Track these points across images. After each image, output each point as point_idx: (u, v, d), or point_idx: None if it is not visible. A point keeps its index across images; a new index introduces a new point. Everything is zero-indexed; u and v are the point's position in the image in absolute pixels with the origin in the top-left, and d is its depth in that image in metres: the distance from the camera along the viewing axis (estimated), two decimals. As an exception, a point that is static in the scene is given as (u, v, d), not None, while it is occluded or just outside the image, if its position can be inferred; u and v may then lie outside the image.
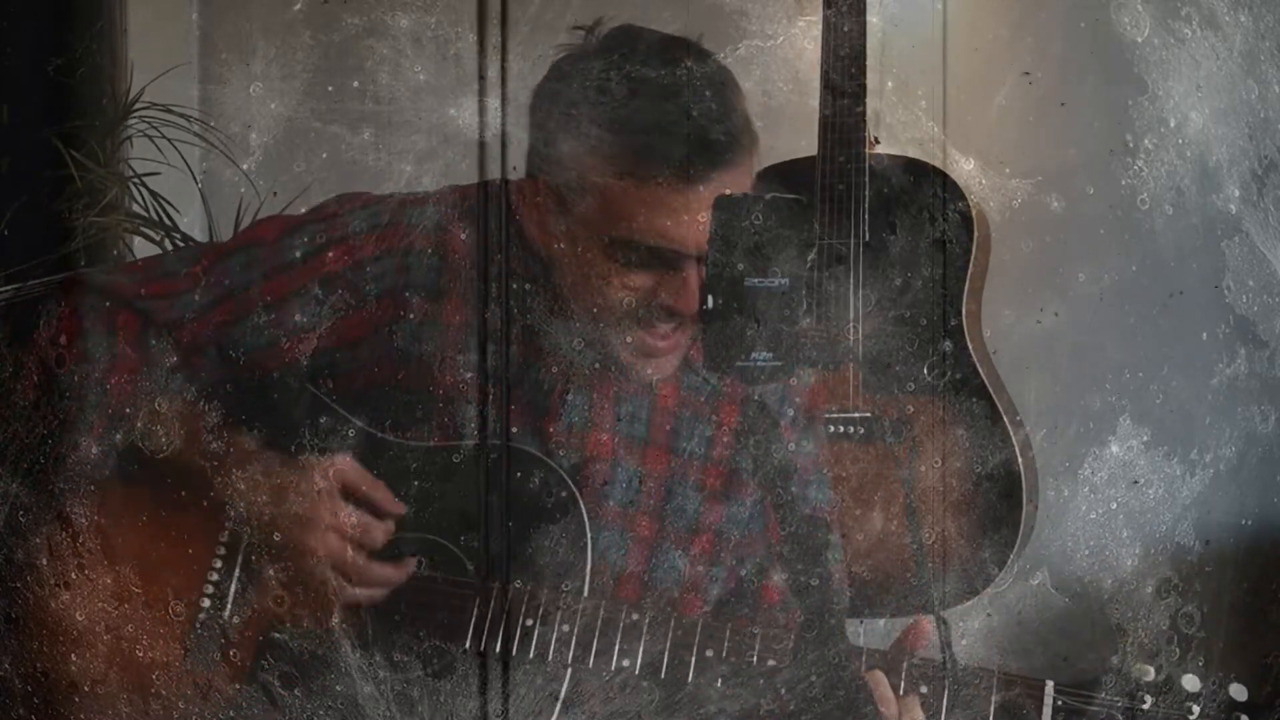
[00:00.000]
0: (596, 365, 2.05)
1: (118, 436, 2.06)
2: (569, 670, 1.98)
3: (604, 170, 1.97)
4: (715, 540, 2.12)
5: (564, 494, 2.02)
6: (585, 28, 2.03)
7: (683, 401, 2.11)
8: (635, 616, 1.99)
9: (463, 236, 2.08)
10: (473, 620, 2.00)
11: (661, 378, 2.08)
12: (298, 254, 2.07)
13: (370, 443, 2.04)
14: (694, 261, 1.98)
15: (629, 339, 2.03)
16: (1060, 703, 1.92)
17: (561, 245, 2.01)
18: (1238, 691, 1.90)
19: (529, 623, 1.99)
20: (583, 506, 2.02)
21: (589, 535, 2.01)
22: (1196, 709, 1.90)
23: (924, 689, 1.94)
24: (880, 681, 1.95)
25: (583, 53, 2.01)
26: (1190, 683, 1.91)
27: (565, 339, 2.05)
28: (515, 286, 2.06)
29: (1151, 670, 1.93)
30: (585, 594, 2.00)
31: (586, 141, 1.97)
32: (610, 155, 1.97)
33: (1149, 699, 1.91)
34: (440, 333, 2.07)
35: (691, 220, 1.96)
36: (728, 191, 1.96)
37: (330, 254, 2.07)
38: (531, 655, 1.99)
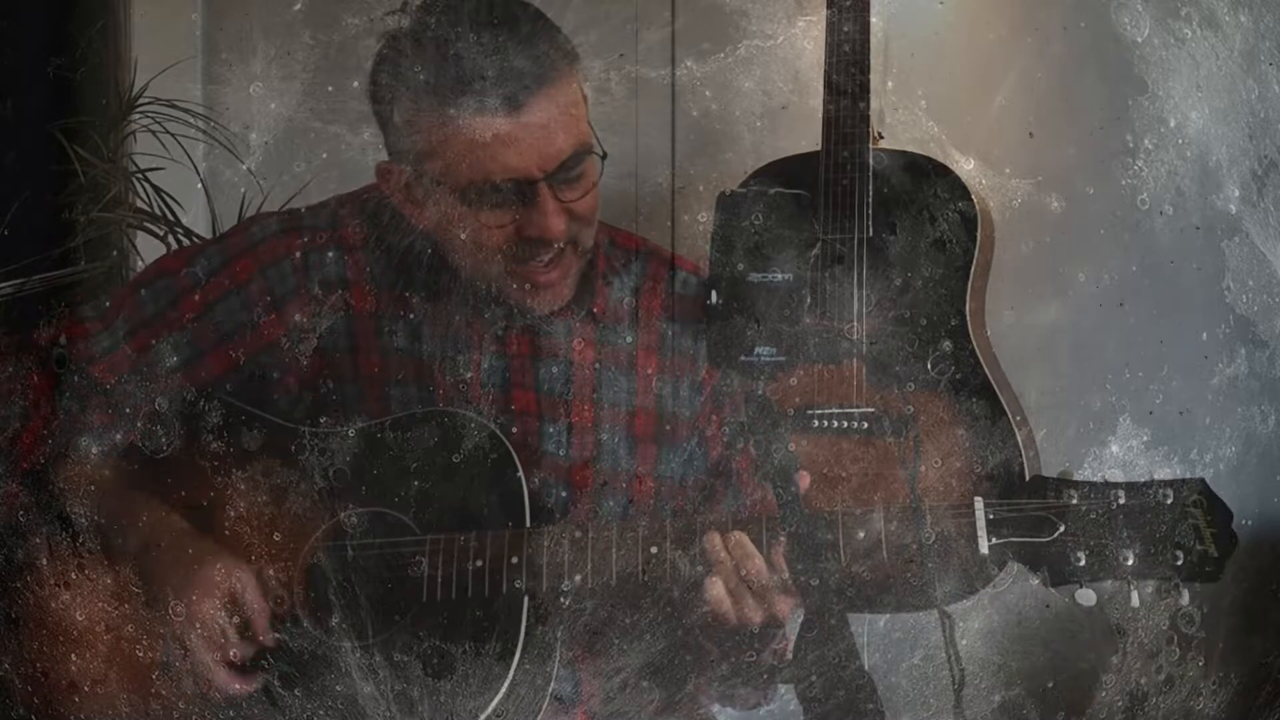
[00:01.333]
0: (502, 322, 2.09)
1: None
2: (525, 599, 2.00)
3: (433, 125, 2.01)
4: (655, 483, 2.16)
5: (498, 451, 2.06)
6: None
7: (600, 356, 2.14)
8: (578, 534, 2.01)
9: (354, 228, 2.14)
10: (425, 571, 2.03)
11: (553, 309, 2.11)
12: (204, 273, 2.13)
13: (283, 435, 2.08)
14: (545, 187, 2.02)
15: (513, 283, 2.07)
16: (992, 516, 1.99)
17: (428, 212, 2.06)
18: (1160, 472, 1.98)
19: (478, 563, 2.02)
20: (516, 458, 2.05)
21: (524, 485, 2.04)
22: (1123, 495, 1.98)
23: (860, 534, 1.98)
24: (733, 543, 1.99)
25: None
26: (1114, 475, 1.98)
27: (464, 307, 2.08)
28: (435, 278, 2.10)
29: (1074, 471, 1.99)
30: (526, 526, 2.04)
31: (411, 107, 2.02)
32: (432, 109, 2.01)
33: (1074, 494, 1.98)
34: (355, 321, 2.12)
35: (528, 146, 2.00)
36: (553, 111, 2.01)
37: (236, 267, 2.13)
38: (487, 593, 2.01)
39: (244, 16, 2.61)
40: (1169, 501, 1.96)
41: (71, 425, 2.10)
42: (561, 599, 2.01)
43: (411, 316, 2.11)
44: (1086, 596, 1.95)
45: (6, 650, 2.08)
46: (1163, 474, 1.99)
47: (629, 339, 2.15)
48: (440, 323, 2.11)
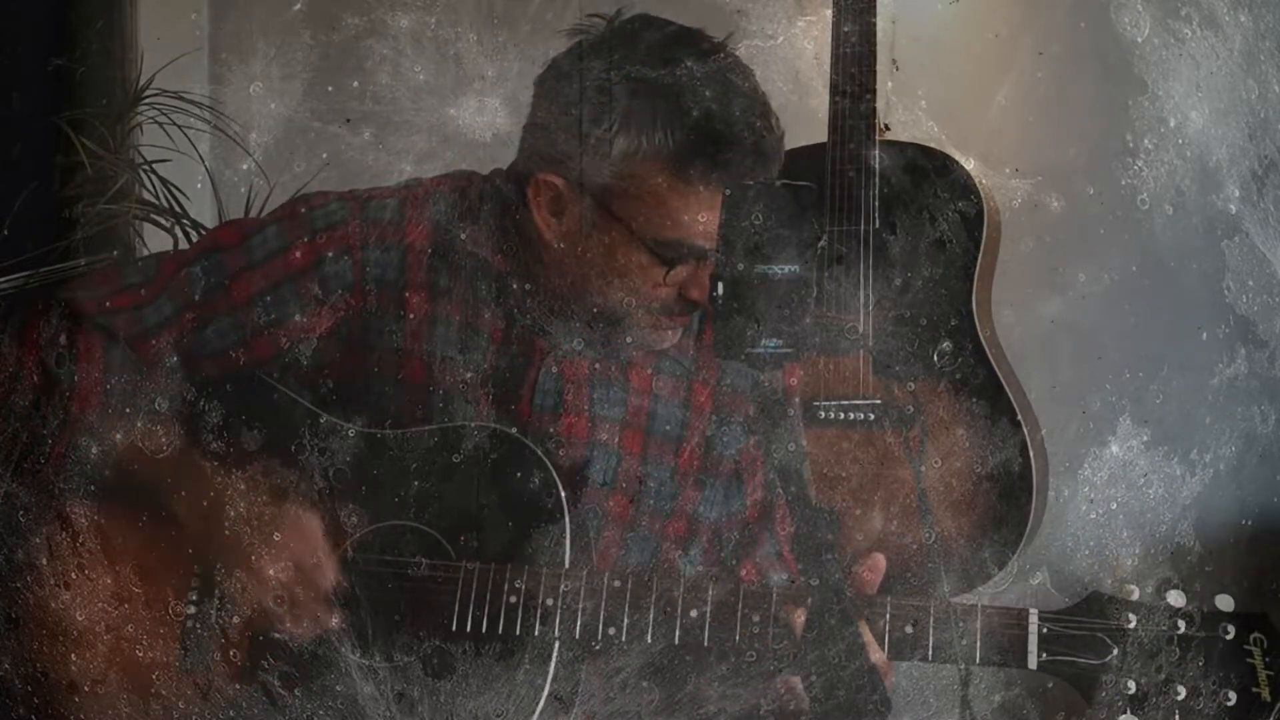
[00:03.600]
0: (594, 353, 2.07)
1: (94, 450, 2.07)
2: (555, 644, 1.99)
3: (661, 173, 1.97)
4: (692, 522, 2.14)
5: (543, 476, 2.02)
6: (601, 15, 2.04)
7: (659, 387, 2.13)
8: (618, 584, 2.00)
9: (423, 231, 2.08)
10: (457, 601, 2.01)
11: (664, 347, 2.09)
12: (259, 255, 2.08)
13: (362, 437, 2.06)
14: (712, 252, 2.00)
15: (645, 328, 2.04)
16: (1046, 630, 1.92)
17: (576, 244, 2.02)
18: (1224, 602, 1.90)
19: (512, 600, 2.00)
20: (560, 487, 2.02)
21: (568, 516, 2.01)
22: (1183, 624, 1.91)
23: (909, 629, 1.94)
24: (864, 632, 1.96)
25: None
26: (1176, 599, 1.91)
27: (565, 337, 2.06)
28: (515, 286, 2.07)
29: (1135, 590, 1.93)
30: (566, 566, 2.01)
31: (640, 143, 1.97)
32: (671, 160, 1.96)
33: (1133, 618, 1.91)
34: (410, 326, 2.08)
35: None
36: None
37: (295, 253, 2.07)
38: (518, 630, 1.99)
39: (244, 16, 2.61)
40: (1229, 637, 1.88)
41: (128, 396, 2.07)
42: (594, 645, 1.99)
43: (461, 325, 2.09)
44: None
45: (6, 650, 2.08)
46: (1225, 605, 1.91)
47: (686, 368, 2.13)
48: (493, 334, 2.09)
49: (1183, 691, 1.89)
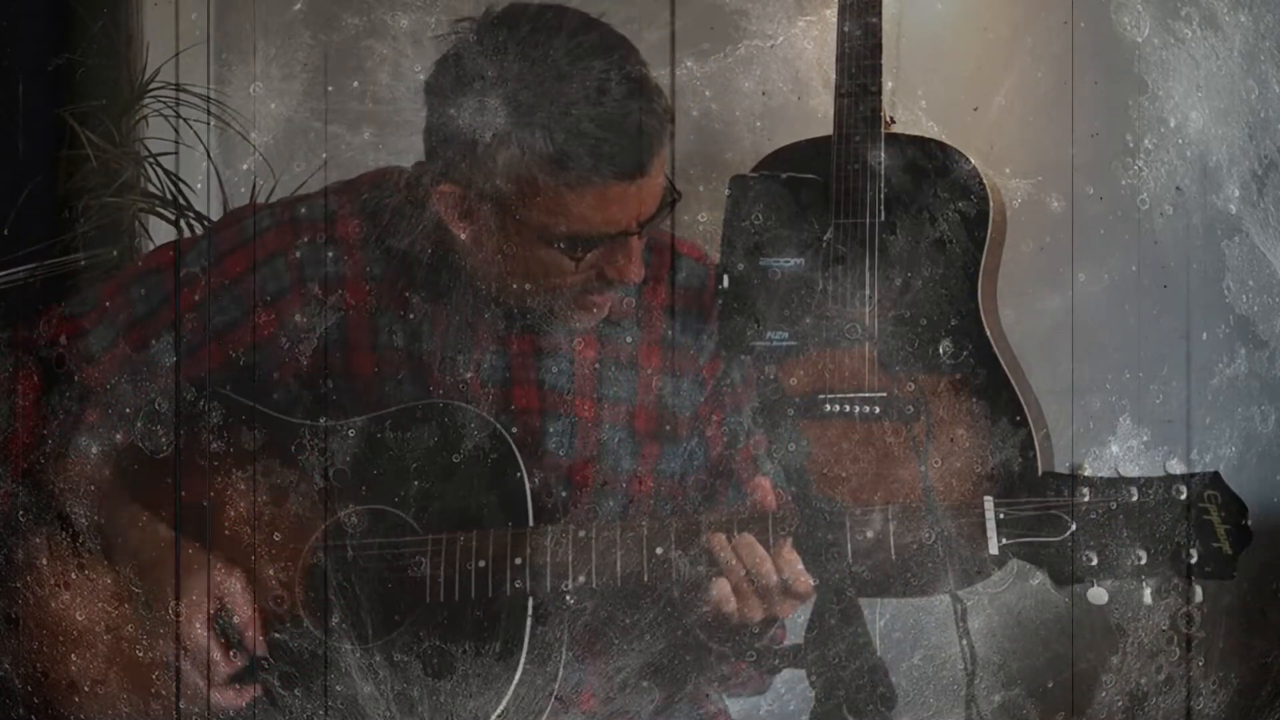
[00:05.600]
0: (503, 322, 2.09)
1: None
2: (530, 600, 2.01)
3: (548, 175, 1.96)
4: (654, 481, 2.16)
5: (501, 447, 2.05)
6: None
7: (604, 352, 2.14)
8: (582, 534, 2.01)
9: (352, 226, 2.11)
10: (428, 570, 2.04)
11: (591, 326, 2.11)
12: (195, 268, 2.12)
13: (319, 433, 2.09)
14: (637, 239, 2.00)
15: (566, 306, 2.05)
16: (1003, 515, 1.95)
17: (489, 247, 2.03)
18: (1174, 466, 1.93)
19: (481, 564, 2.02)
20: (517, 453, 2.04)
21: (526, 480, 2.04)
22: (1135, 492, 1.94)
23: (869, 533, 1.96)
24: (738, 545, 1.98)
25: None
26: (1127, 469, 1.94)
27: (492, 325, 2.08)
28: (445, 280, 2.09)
29: (1088, 466, 1.95)
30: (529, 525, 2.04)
31: (520, 151, 1.95)
32: (554, 161, 1.95)
33: (1086, 492, 1.94)
34: (351, 319, 2.11)
35: (636, 204, 1.98)
36: (661, 169, 1.98)
37: (229, 261, 2.11)
38: (490, 594, 2.02)
39: (244, 16, 2.61)
40: (1182, 497, 1.92)
41: (70, 425, 2.10)
42: (566, 598, 2.01)
43: (412, 316, 2.10)
44: (1098, 595, 1.92)
45: (6, 650, 2.08)
46: (1175, 468, 1.96)
47: (632, 336, 2.15)
48: (441, 321, 2.10)
49: (1144, 555, 1.92)
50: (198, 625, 2.04)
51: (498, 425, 2.05)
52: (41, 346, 2.12)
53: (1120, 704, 2.05)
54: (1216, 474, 1.93)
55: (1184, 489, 1.93)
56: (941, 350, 2.30)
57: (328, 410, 2.08)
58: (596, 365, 2.13)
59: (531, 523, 2.03)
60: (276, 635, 2.06)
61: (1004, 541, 1.94)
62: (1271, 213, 2.32)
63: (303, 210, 2.13)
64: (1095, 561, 1.93)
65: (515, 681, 2.00)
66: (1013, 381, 2.34)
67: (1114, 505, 1.93)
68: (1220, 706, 2.00)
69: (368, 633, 2.04)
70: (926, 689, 2.17)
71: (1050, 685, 2.25)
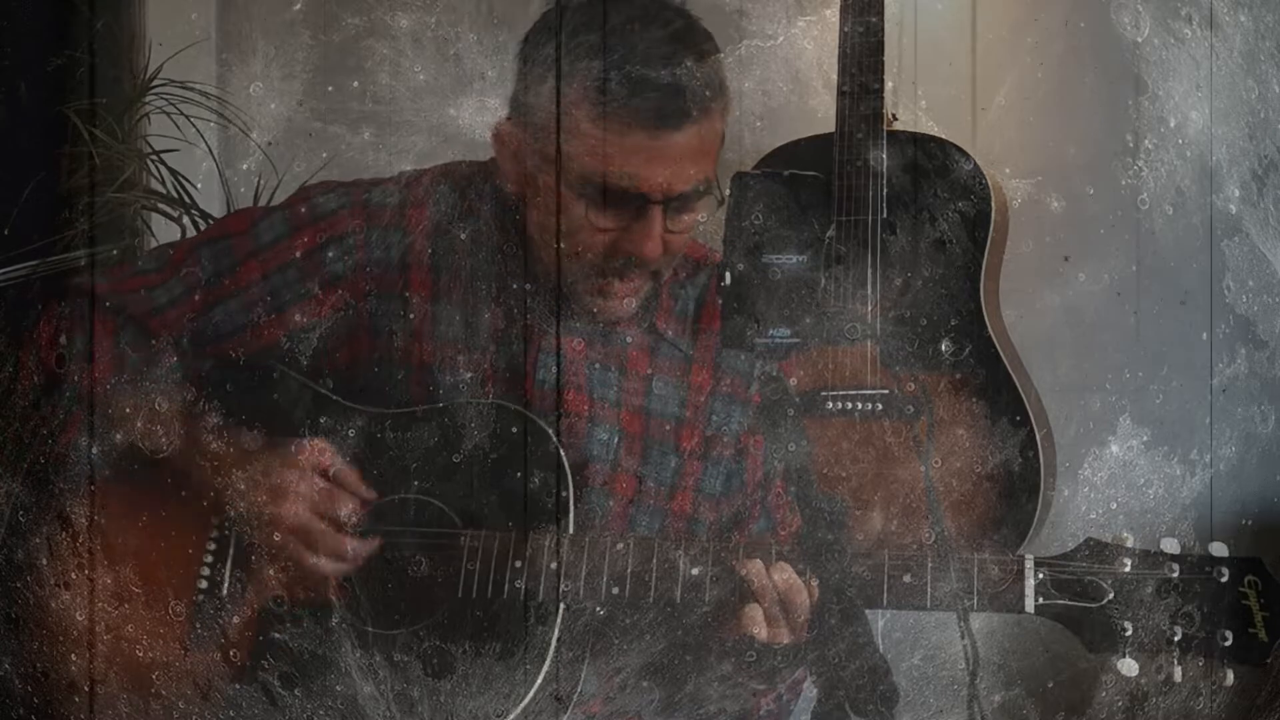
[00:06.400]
0: (565, 314, 2.09)
1: (118, 437, 2.09)
2: (560, 606, 2.01)
3: (587, 114, 1.99)
4: (694, 500, 2.15)
5: (547, 447, 2.05)
6: None
7: (656, 368, 2.14)
8: (620, 546, 2.01)
9: (421, 215, 2.10)
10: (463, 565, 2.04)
11: (614, 321, 2.11)
12: (266, 240, 2.11)
13: (348, 414, 2.08)
14: (659, 210, 2.00)
15: (584, 287, 2.06)
16: (1042, 576, 1.94)
17: (533, 185, 2.04)
18: (1218, 549, 1.92)
19: (517, 564, 2.02)
20: (563, 458, 2.04)
21: (570, 485, 2.04)
22: (1177, 568, 1.92)
23: (907, 578, 1.96)
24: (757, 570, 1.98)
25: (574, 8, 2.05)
26: (1170, 545, 1.93)
27: (538, 298, 2.08)
28: (514, 285, 2.09)
29: (1130, 537, 1.95)
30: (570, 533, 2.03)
31: (572, 88, 1.99)
32: (596, 101, 1.98)
33: (1128, 562, 1.93)
34: (415, 310, 2.10)
35: (662, 166, 1.98)
36: (698, 140, 1.99)
37: (300, 239, 2.10)
38: (522, 591, 2.01)
39: (244, 16, 2.61)
40: (1224, 580, 1.91)
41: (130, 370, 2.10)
42: (597, 609, 2.01)
43: (463, 306, 2.10)
44: (1129, 666, 1.91)
45: (6, 650, 2.08)
46: (1219, 551, 1.93)
47: (684, 351, 2.15)
48: (493, 315, 2.10)
49: (1179, 632, 1.91)
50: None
51: (546, 428, 2.05)
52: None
53: (1120, 704, 2.05)
54: (1259, 560, 1.92)
55: (1226, 572, 1.91)
56: (943, 349, 2.30)
57: (382, 400, 2.07)
58: (646, 378, 2.13)
59: (571, 529, 2.03)
60: (277, 635, 2.06)
61: (1040, 601, 1.93)
62: (1271, 213, 2.32)
63: (374, 194, 2.12)
64: (1129, 632, 1.91)
65: (538, 684, 2.00)
66: (1015, 381, 2.33)
67: (1154, 579, 1.92)
68: (1220, 706, 2.00)
69: (392, 623, 2.04)
70: (927, 689, 2.17)
71: (1050, 685, 2.25)
